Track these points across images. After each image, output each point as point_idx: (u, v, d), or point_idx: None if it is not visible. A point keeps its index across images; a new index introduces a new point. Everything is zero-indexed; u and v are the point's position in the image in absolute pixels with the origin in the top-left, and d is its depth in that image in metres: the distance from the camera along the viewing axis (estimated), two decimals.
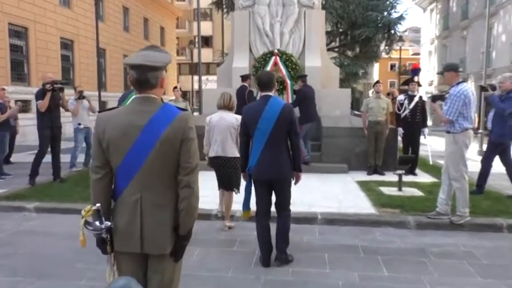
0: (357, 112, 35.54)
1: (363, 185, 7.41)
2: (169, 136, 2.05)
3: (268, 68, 9.59)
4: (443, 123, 5.15)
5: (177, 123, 2.08)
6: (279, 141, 3.80)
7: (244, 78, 8.89)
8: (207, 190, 6.67)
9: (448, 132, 5.15)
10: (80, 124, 8.74)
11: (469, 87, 5.03)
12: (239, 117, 4.97)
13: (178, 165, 2.08)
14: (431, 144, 9.69)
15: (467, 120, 5.01)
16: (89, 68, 19.72)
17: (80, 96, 8.72)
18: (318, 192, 6.74)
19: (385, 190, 6.99)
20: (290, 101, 9.00)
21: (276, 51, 9.77)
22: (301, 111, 8.17)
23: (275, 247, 4.04)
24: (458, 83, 5.03)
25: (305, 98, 8.33)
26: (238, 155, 4.85)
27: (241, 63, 10.10)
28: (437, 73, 5.85)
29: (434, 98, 5.42)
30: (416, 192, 6.92)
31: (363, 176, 8.28)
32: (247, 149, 4.00)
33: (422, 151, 9.08)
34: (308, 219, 5.36)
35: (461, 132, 5.02)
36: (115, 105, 2.87)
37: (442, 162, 9.56)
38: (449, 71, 5.07)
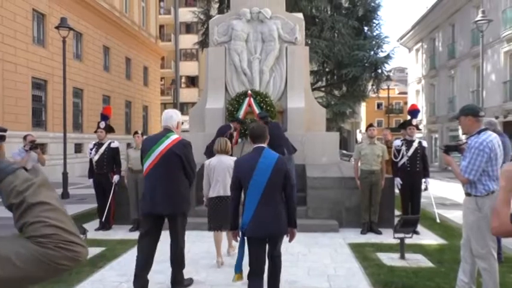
0: (345, 152, 34.73)
1: (358, 250, 6.09)
2: None
3: (242, 111, 8.57)
4: (463, 183, 3.90)
5: None
6: (274, 194, 3.58)
7: (233, 121, 8.05)
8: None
9: (468, 194, 3.90)
10: None
11: (495, 136, 3.82)
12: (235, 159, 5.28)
13: None
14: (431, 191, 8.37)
15: (494, 179, 3.78)
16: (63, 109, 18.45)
17: (32, 147, 7.44)
18: (303, 264, 5.38)
19: (385, 258, 5.68)
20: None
21: (249, 92, 8.74)
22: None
23: None
24: (479, 132, 3.83)
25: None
26: None
27: (216, 104, 8.99)
28: (452, 118, 4.63)
29: (448, 149, 4.18)
30: (423, 260, 5.59)
31: (357, 236, 7.00)
32: (237, 205, 3.70)
33: (423, 198, 7.82)
34: None
35: (487, 196, 3.77)
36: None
37: (446, 214, 8.45)
38: (467, 115, 3.88)
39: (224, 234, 5.55)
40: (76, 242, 0.99)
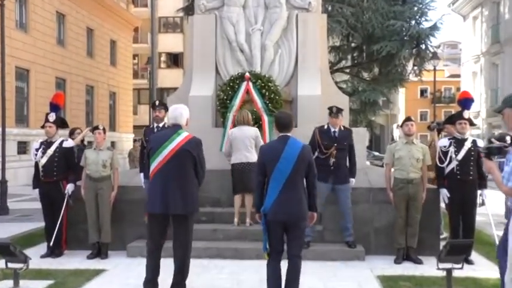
0: (376, 153, 34.54)
1: (390, 285, 6.16)
2: None
3: (238, 99, 8.64)
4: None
5: None
6: (297, 181, 4.88)
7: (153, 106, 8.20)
8: None
9: None
10: None
11: None
12: (257, 129, 7.84)
13: None
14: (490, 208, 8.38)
15: None
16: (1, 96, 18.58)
17: None
18: None
19: None
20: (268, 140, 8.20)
21: (247, 74, 8.81)
22: None
23: None
24: None
25: None
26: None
27: (203, 90, 9.11)
28: (495, 110, 4.66)
29: (489, 152, 4.18)
30: None
31: (389, 265, 7.06)
32: (262, 189, 5.00)
33: (479, 215, 7.84)
34: None
35: None
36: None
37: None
38: None
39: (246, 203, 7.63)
40: None
